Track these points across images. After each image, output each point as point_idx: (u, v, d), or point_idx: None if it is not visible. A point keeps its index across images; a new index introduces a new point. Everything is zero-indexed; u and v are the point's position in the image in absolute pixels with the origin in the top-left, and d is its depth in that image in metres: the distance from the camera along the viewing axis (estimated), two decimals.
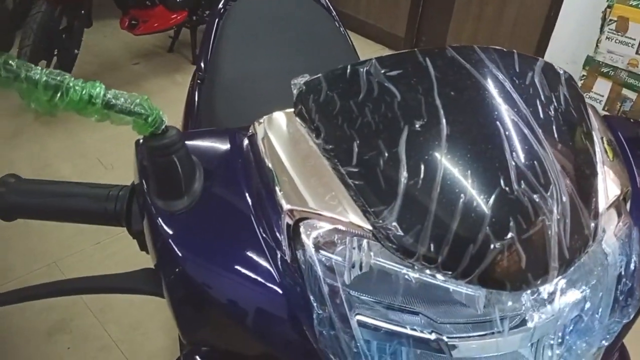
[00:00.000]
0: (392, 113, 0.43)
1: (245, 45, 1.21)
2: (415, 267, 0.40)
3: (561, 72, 0.50)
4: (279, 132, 0.46)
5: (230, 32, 1.25)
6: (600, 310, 0.46)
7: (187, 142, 0.47)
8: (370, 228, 0.40)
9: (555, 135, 0.44)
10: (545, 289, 0.41)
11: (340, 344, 0.42)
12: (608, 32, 2.05)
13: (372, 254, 0.41)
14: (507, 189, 0.39)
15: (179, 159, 0.43)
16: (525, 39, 2.70)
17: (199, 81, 1.23)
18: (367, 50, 3.20)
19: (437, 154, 0.41)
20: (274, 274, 0.44)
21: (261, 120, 0.48)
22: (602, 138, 0.50)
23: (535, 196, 0.40)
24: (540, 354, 0.46)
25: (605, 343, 0.46)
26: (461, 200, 0.39)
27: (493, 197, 0.39)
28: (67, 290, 0.53)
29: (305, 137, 0.45)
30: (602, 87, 2.16)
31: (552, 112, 0.45)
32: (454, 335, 0.41)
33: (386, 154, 0.41)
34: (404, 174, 0.40)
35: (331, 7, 1.38)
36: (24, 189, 0.48)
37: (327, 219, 0.41)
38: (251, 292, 0.44)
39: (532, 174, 0.41)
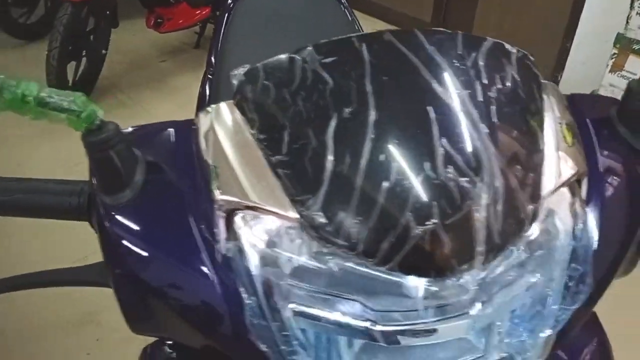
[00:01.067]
0: (324, 101, 0.42)
1: (253, 40, 1.22)
2: (339, 256, 0.39)
3: (513, 51, 0.48)
4: (222, 122, 0.46)
5: (238, 27, 1.26)
6: (549, 296, 0.44)
7: (133, 137, 0.48)
8: (298, 217, 0.40)
9: (494, 118, 0.42)
10: (485, 274, 0.40)
11: (272, 335, 0.42)
12: (638, 7, 1.95)
13: (300, 243, 0.40)
14: (432, 173, 0.38)
15: (116, 153, 0.44)
16: (554, 21, 2.61)
17: (209, 76, 1.25)
18: None
19: (362, 141, 0.40)
20: (209, 266, 0.44)
21: (209, 110, 0.48)
22: (559, 120, 0.47)
23: (462, 180, 0.38)
24: (489, 341, 0.45)
25: (549, 332, 0.44)
26: (383, 186, 0.38)
27: (416, 182, 0.38)
28: (21, 285, 0.54)
29: (243, 127, 0.44)
30: (634, 65, 2.06)
31: (494, 94, 0.44)
32: (390, 324, 0.40)
33: (314, 142, 0.41)
34: (329, 162, 0.40)
35: (343, 1, 1.37)
36: None
37: (258, 209, 0.41)
38: (187, 284, 0.44)
39: (462, 158, 0.39)
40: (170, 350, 0.56)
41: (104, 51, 2.60)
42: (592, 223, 0.47)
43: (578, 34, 2.44)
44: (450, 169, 0.39)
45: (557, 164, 0.44)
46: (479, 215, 0.38)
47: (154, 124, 0.51)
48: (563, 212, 0.44)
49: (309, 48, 0.45)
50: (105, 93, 2.67)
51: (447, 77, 0.43)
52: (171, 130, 0.50)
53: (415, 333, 0.40)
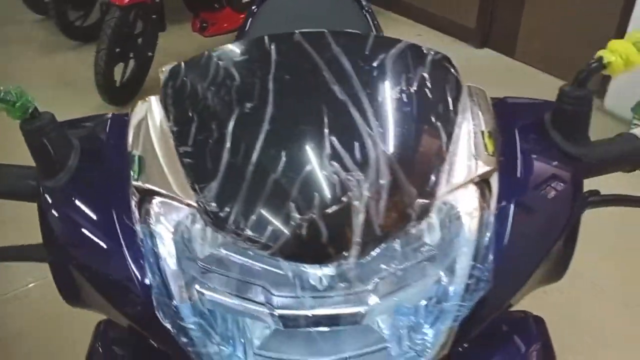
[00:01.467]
0: (229, 96, 0.45)
1: None
2: (230, 242, 0.41)
3: (430, 53, 0.48)
4: (152, 115, 0.49)
5: (261, 28, 1.31)
6: (450, 292, 0.45)
7: (71, 126, 0.52)
8: (196, 205, 0.42)
9: (390, 118, 0.44)
10: (367, 263, 0.41)
11: (176, 315, 0.44)
12: None
13: (199, 228, 0.43)
14: (317, 168, 0.41)
15: (50, 140, 0.48)
16: (602, 24, 2.51)
17: None
18: (438, 43, 3.13)
19: (257, 135, 0.43)
20: (125, 248, 0.47)
21: (145, 100, 0.51)
22: (479, 124, 0.48)
23: (346, 175, 0.41)
24: (392, 333, 0.46)
25: (449, 326, 0.45)
26: (270, 178, 0.41)
27: (301, 175, 0.41)
28: None
29: (163, 120, 0.48)
30: None
31: (396, 94, 0.45)
32: (287, 309, 0.42)
33: (215, 135, 0.44)
34: (225, 154, 0.42)
35: (364, 4, 1.38)
36: None
37: (168, 197, 0.44)
38: (106, 263, 0.48)
39: (348, 155, 0.41)
40: (119, 330, 0.59)
41: (150, 54, 2.72)
42: (501, 226, 0.47)
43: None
44: (335, 164, 0.41)
45: (465, 165, 0.45)
46: (359, 208, 0.40)
47: (87, 117, 0.55)
48: (468, 213, 0.45)
49: (228, 46, 0.48)
50: (152, 94, 2.79)
51: (347, 77, 0.45)
52: (104, 121, 0.54)
53: (313, 320, 0.42)
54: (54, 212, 0.49)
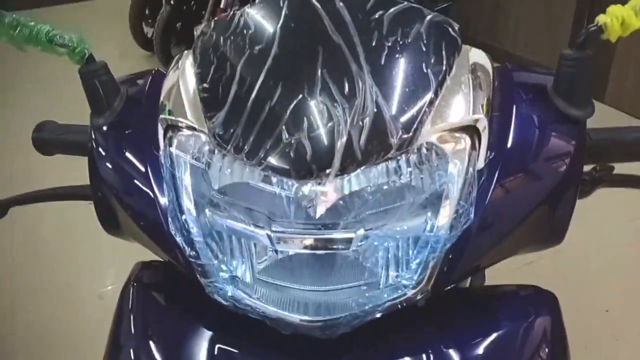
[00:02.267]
0: (244, 42, 0.53)
1: None
2: (233, 158, 0.48)
3: (430, 15, 0.53)
4: (182, 65, 0.58)
5: None
6: (434, 226, 0.48)
7: (121, 78, 0.62)
8: (207, 130, 0.50)
9: (382, 60, 0.49)
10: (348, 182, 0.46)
11: (183, 229, 0.51)
12: None
13: (208, 152, 0.51)
14: (308, 97, 0.47)
15: (100, 83, 0.58)
16: None
17: None
18: None
19: (260, 71, 0.50)
20: (151, 175, 0.55)
21: (181, 55, 0.60)
22: (473, 79, 0.51)
23: (333, 104, 0.46)
24: (378, 266, 0.51)
25: (432, 262, 0.48)
26: (267, 105, 0.48)
27: (293, 103, 0.47)
28: (30, 199, 0.72)
29: (191, 67, 0.56)
30: None
31: (390, 43, 0.50)
32: (280, 231, 0.48)
33: (228, 73, 0.51)
34: (233, 88, 0.50)
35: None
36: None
37: (186, 126, 0.52)
38: (135, 190, 0.56)
39: (337, 87, 0.47)
40: (155, 269, 0.67)
41: None
42: (489, 174, 0.50)
43: None
44: (324, 95, 0.47)
45: (453, 111, 0.48)
46: (342, 132, 0.45)
47: (144, 71, 0.64)
48: (454, 156, 0.48)
49: (250, 6, 0.56)
50: None
51: (345, 26, 0.51)
52: (149, 74, 0.63)
53: (307, 244, 0.48)
54: (100, 144, 0.59)
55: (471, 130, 0.49)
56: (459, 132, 0.49)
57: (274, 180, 0.47)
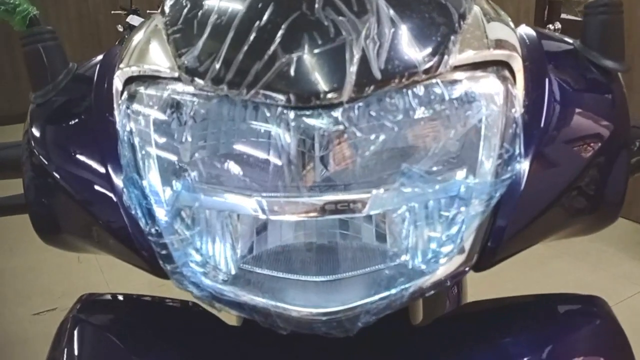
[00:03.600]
0: None
1: None
2: (209, 92, 0.39)
3: None
4: (147, 24, 0.48)
5: None
6: (470, 182, 0.40)
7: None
8: (177, 73, 0.40)
9: None
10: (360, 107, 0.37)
11: (150, 209, 0.41)
12: None
13: (172, 91, 0.40)
14: (307, 12, 0.38)
15: (45, 49, 0.48)
16: None
17: None
18: None
19: None
20: (108, 156, 0.45)
21: (146, 20, 0.50)
22: (497, 24, 0.45)
23: (340, 18, 0.37)
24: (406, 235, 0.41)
25: (472, 227, 0.40)
26: (256, 25, 0.38)
27: (289, 19, 0.37)
28: None
29: (159, 20, 0.45)
30: None
31: None
32: (273, 195, 0.38)
33: (205, 7, 0.41)
34: (212, 17, 0.40)
35: None
36: None
37: (148, 75, 0.42)
38: (88, 172, 0.46)
39: (344, 2, 0.38)
40: (105, 301, 0.57)
41: None
42: (531, 126, 0.43)
43: None
44: (329, 9, 0.38)
45: (480, 43, 0.41)
46: (354, 48, 0.36)
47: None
48: (492, 89, 0.40)
49: None
50: None
51: None
52: (112, 49, 0.53)
53: (306, 208, 0.38)
54: (38, 125, 0.49)
55: (504, 67, 0.42)
56: (491, 67, 0.41)
57: (267, 114, 0.37)
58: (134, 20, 3.69)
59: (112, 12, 4.25)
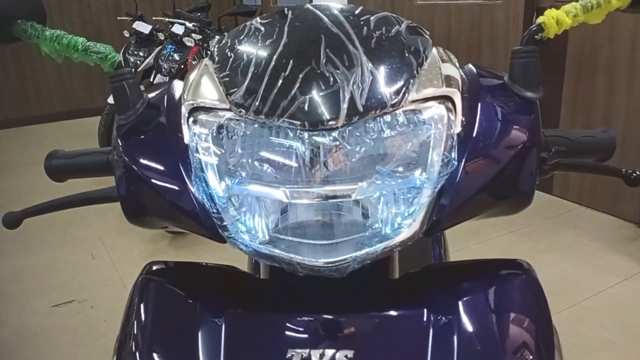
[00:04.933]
0: (256, 39, 0.63)
1: None
2: (251, 119, 0.58)
3: (406, 21, 0.65)
4: (200, 66, 0.67)
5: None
6: (424, 176, 0.58)
7: (145, 86, 0.70)
8: (228, 106, 0.59)
9: (371, 44, 0.60)
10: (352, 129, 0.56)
11: (212, 198, 0.60)
12: None
13: (227, 119, 0.59)
14: (315, 67, 0.58)
15: (127, 85, 0.66)
16: None
17: None
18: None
19: (273, 54, 0.60)
20: (177, 157, 0.62)
21: (200, 62, 0.68)
22: (444, 68, 0.62)
23: (337, 71, 0.58)
24: (374, 215, 0.60)
25: (417, 207, 0.58)
26: (282, 75, 0.58)
27: (304, 71, 0.58)
28: (49, 208, 0.75)
29: (210, 66, 0.65)
30: None
31: (376, 34, 0.62)
32: (294, 187, 0.57)
33: (245, 60, 0.61)
34: (251, 69, 0.60)
35: None
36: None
37: (207, 107, 0.61)
38: (166, 174, 0.63)
39: (339, 60, 0.58)
40: (165, 267, 0.74)
41: None
42: (465, 138, 0.61)
43: None
44: (329, 65, 0.58)
45: (432, 84, 0.60)
46: (346, 92, 0.56)
47: (167, 82, 0.72)
48: (437, 114, 0.59)
49: (260, 16, 0.66)
50: None
51: (341, 23, 0.63)
52: (175, 82, 0.71)
53: (316, 195, 0.57)
54: (124, 140, 0.66)
55: (448, 100, 0.61)
56: (439, 100, 0.60)
57: (290, 134, 0.56)
58: (139, 26, 3.83)
59: (118, 18, 4.39)
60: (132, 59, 3.81)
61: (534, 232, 2.80)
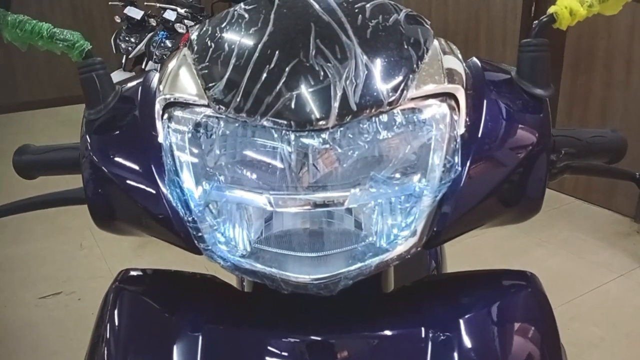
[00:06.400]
0: (239, 27, 0.57)
1: None
2: (232, 117, 0.51)
3: (405, 9, 0.60)
4: (178, 56, 0.60)
5: None
6: (423, 182, 0.53)
7: (117, 78, 0.64)
8: (206, 102, 0.53)
9: (367, 35, 0.54)
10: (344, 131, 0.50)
11: (187, 204, 0.53)
12: None
13: (205, 116, 0.53)
14: (304, 59, 0.52)
15: (97, 76, 0.60)
16: None
17: None
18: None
19: (257, 44, 0.54)
20: (149, 155, 0.56)
21: (177, 50, 0.63)
22: (446, 61, 0.57)
23: (327, 64, 0.51)
24: (369, 225, 0.54)
25: (422, 220, 0.52)
26: (266, 69, 0.52)
27: (291, 64, 0.51)
28: (15, 209, 0.69)
29: (188, 55, 0.59)
30: None
31: (373, 23, 0.56)
32: (278, 193, 0.51)
33: (226, 51, 0.55)
34: (232, 60, 0.54)
35: None
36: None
37: (183, 102, 0.54)
38: (137, 175, 0.56)
39: (330, 52, 0.52)
40: (141, 274, 0.68)
41: None
42: (469, 140, 0.55)
43: None
44: (319, 57, 0.52)
45: (433, 80, 0.54)
46: (337, 88, 0.50)
47: (141, 72, 0.67)
48: (439, 113, 0.53)
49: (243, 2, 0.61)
50: None
51: (333, 9, 0.57)
52: (148, 74, 0.65)
53: (304, 202, 0.51)
54: (93, 136, 0.60)
55: (451, 97, 0.55)
56: (440, 97, 0.54)
57: (275, 135, 0.50)
58: (131, 11, 3.75)
59: (110, 3, 4.30)
60: (123, 45, 3.75)
61: (529, 226, 2.73)
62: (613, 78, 2.81)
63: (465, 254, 1.99)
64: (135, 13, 3.76)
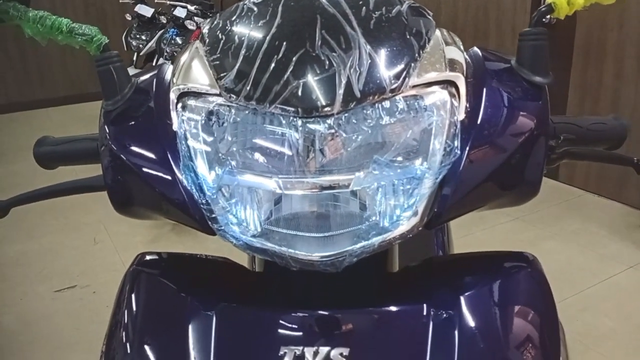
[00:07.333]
0: (248, 20, 0.60)
1: None
2: (242, 105, 0.54)
3: (407, 1, 0.62)
4: (191, 49, 0.64)
5: None
6: (424, 164, 0.55)
7: (133, 71, 0.67)
8: (218, 91, 0.56)
9: (370, 25, 0.57)
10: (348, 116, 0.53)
11: (202, 188, 0.57)
12: None
13: (217, 105, 0.56)
14: (310, 49, 0.55)
15: (114, 69, 0.63)
16: None
17: None
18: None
19: (266, 35, 0.57)
20: (164, 142, 0.59)
21: (190, 43, 0.66)
22: (447, 51, 0.59)
23: (333, 54, 0.54)
24: (372, 206, 0.56)
25: (417, 198, 0.55)
26: (274, 59, 0.55)
27: (298, 54, 0.54)
28: (36, 197, 0.72)
29: (200, 48, 0.62)
30: None
31: (376, 15, 0.58)
32: (287, 177, 0.54)
33: (236, 43, 0.58)
34: (243, 51, 0.57)
35: None
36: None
37: (196, 92, 0.58)
38: (154, 162, 0.60)
39: (335, 42, 0.55)
40: (157, 258, 0.72)
41: None
42: (469, 125, 0.57)
43: None
44: (325, 47, 0.55)
45: (434, 68, 0.56)
46: (342, 76, 0.53)
47: (156, 65, 0.69)
48: (439, 100, 0.56)
49: None
50: None
51: (338, 2, 0.59)
52: (162, 66, 0.68)
53: (311, 185, 0.53)
54: (111, 126, 0.63)
55: (451, 85, 0.57)
56: (441, 85, 0.57)
57: (283, 121, 0.53)
58: (142, 9, 3.79)
59: (121, 1, 4.34)
60: (134, 43, 3.79)
61: (539, 219, 2.77)
62: (624, 70, 2.79)
63: (475, 246, 1.99)
64: (146, 11, 3.80)
